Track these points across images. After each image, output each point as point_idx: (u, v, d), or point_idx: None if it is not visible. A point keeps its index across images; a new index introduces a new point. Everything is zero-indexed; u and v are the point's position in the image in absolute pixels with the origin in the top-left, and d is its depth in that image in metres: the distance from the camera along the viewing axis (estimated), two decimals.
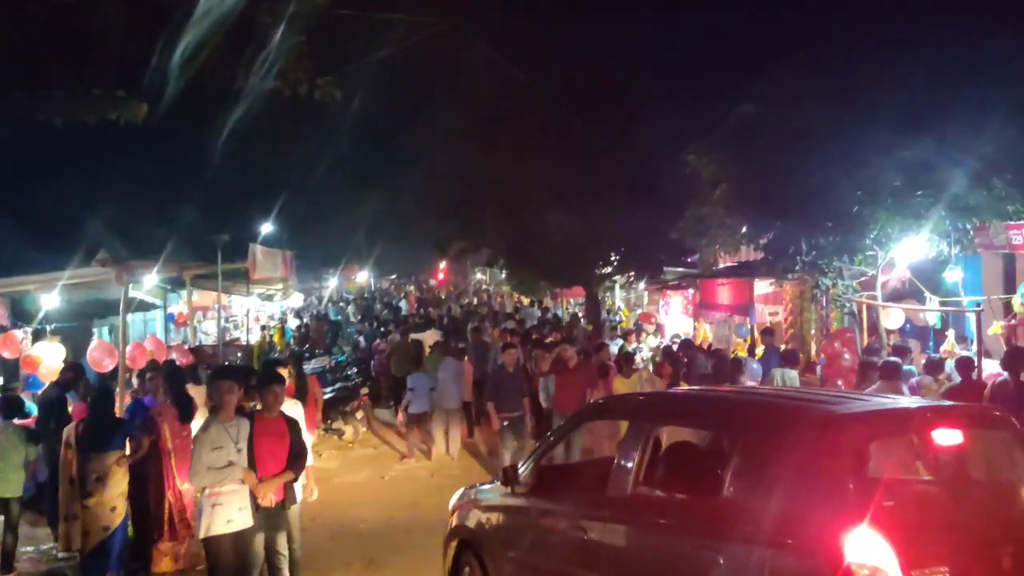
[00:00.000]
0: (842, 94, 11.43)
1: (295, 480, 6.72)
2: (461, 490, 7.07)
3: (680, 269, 19.68)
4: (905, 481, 4.53)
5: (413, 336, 17.16)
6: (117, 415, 8.40)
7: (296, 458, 6.63)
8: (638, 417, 5.46)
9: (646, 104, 17.99)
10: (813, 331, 14.67)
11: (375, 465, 12.95)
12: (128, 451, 7.80)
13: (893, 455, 4.54)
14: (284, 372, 8.28)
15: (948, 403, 5.83)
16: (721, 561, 4.25)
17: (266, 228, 27.33)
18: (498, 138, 18.73)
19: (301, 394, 11.43)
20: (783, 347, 13.55)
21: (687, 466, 4.99)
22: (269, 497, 6.38)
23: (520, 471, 6.07)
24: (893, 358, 9.32)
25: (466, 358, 14.62)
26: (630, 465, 5.02)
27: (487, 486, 6.61)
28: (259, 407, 6.72)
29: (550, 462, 6.34)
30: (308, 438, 11.59)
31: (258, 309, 29.06)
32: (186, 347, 14.71)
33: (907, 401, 5.21)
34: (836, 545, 3.82)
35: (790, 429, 4.43)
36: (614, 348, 14.94)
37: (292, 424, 6.77)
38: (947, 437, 4.31)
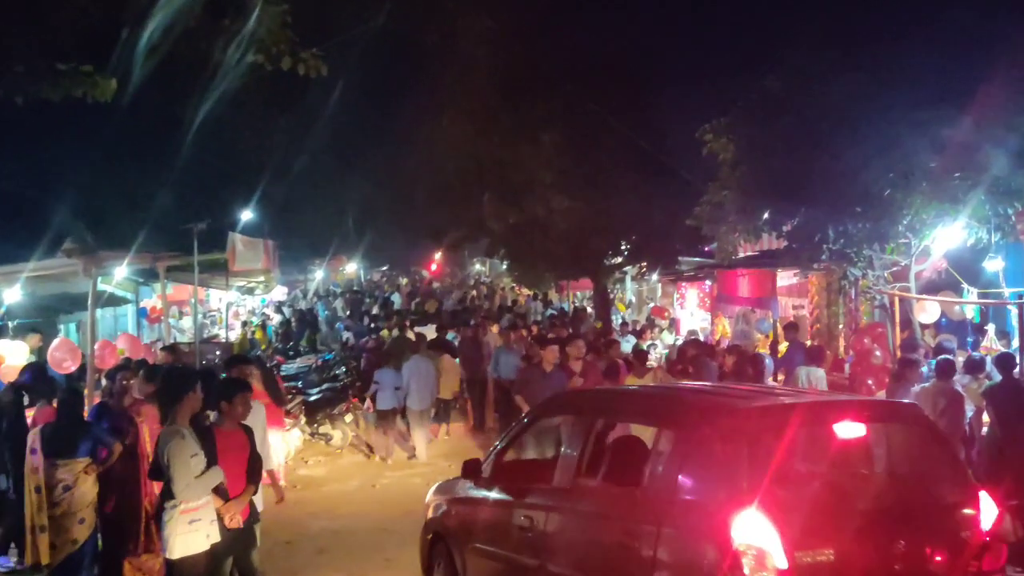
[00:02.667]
0: (873, 68, 11.37)
1: (256, 492, 6.74)
2: (437, 484, 7.79)
3: (696, 259, 19.64)
4: (803, 471, 5.17)
5: (418, 330, 17.27)
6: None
7: (255, 471, 6.65)
8: (580, 412, 6.28)
9: (659, 79, 17.94)
10: (841, 326, 14.65)
11: (366, 472, 12.94)
12: (96, 457, 7.77)
13: (803, 447, 5.22)
14: (250, 372, 8.30)
15: (857, 398, 6.69)
16: (639, 547, 4.93)
17: (247, 215, 27.34)
18: (497, 116, 18.70)
19: (276, 394, 11.51)
20: (808, 343, 13.53)
21: (617, 458, 5.67)
22: (237, 519, 6.38)
23: (483, 465, 6.84)
24: (947, 355, 9.31)
25: (446, 356, 14.80)
26: (572, 458, 5.83)
27: (456, 479, 7.23)
28: (219, 419, 6.64)
29: (512, 456, 7.01)
30: (279, 437, 11.71)
31: (238, 303, 29.03)
32: (160, 345, 14.69)
33: (813, 396, 5.93)
34: (726, 528, 4.47)
35: (693, 422, 5.19)
36: (627, 346, 14.94)
37: (250, 433, 6.76)
38: (851, 431, 4.93)
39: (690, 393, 6.32)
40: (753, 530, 4.43)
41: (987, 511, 4.98)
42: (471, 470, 6.86)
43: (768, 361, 11.56)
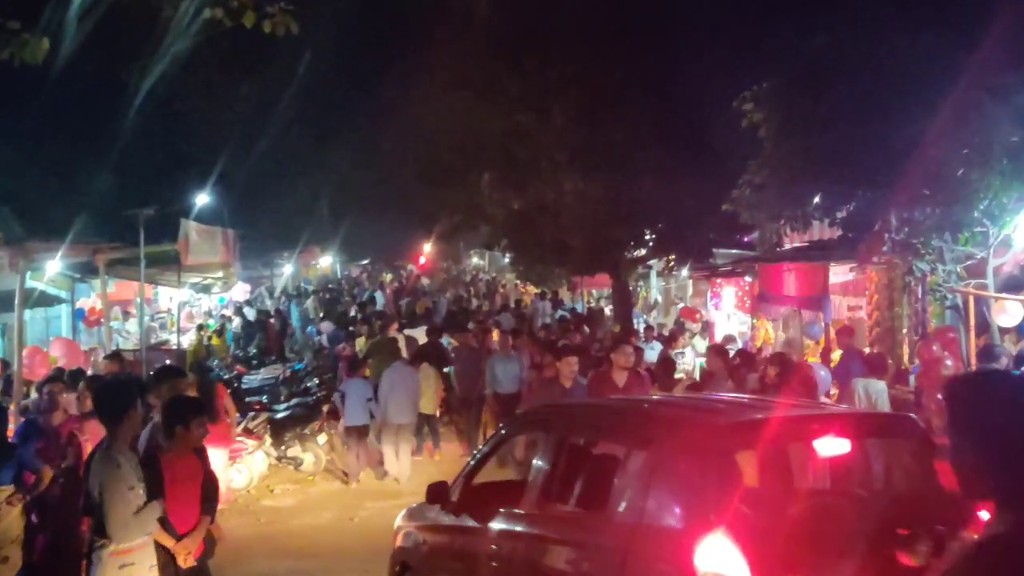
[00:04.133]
0: (943, 24, 11.33)
1: (212, 522, 6.79)
2: (406, 508, 8.17)
3: (734, 251, 19.63)
4: (783, 491, 5.50)
5: (408, 333, 17.33)
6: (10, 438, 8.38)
7: (210, 499, 6.69)
8: (549, 429, 6.68)
9: (690, 39, 17.88)
10: (905, 330, 14.61)
11: (342, 503, 12.94)
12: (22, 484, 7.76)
13: (784, 465, 5.69)
14: (188, 385, 8.34)
15: (843, 410, 7.22)
16: (604, 573, 5.30)
17: (202, 200, 27.26)
18: (499, 82, 18.67)
19: (208, 407, 11.52)
20: (867, 350, 13.48)
21: (584, 479, 6.11)
22: (191, 558, 6.40)
23: (451, 488, 7.23)
24: None
25: (424, 364, 15.00)
26: (540, 480, 6.25)
27: (424, 504, 7.58)
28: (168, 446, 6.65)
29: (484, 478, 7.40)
30: (222, 456, 11.81)
31: (192, 303, 29.04)
32: (100, 352, 14.72)
33: (799, 409, 6.26)
34: (689, 555, 4.73)
35: (659, 439, 5.53)
36: (652, 354, 14.91)
37: (202, 456, 6.79)
38: (834, 447, 5.21)
39: (662, 407, 6.83)
40: (719, 557, 4.68)
41: None
42: (437, 494, 7.21)
43: (824, 373, 11.50)
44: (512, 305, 29.16)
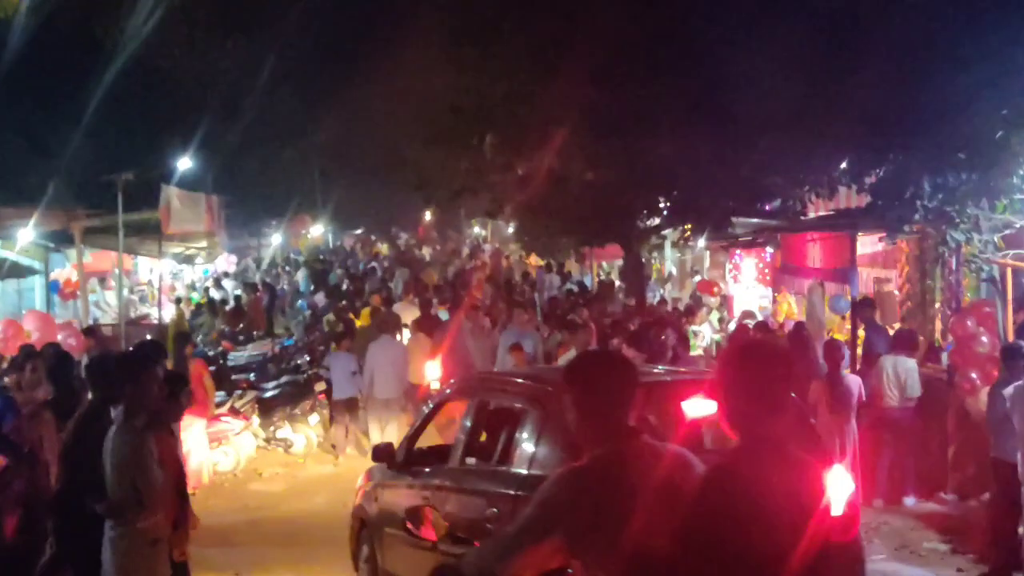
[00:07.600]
0: None
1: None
2: (366, 470, 9.26)
3: (755, 220, 19.55)
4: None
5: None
6: None
7: (184, 486, 6.81)
8: (473, 395, 7.98)
9: None
10: (938, 304, 14.58)
11: (335, 487, 12.93)
12: None
13: (664, 423, 6.84)
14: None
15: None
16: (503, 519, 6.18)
17: (184, 164, 27.23)
18: (500, 36, 18.56)
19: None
20: (896, 326, 13.45)
21: (492, 437, 7.49)
22: (185, 552, 6.46)
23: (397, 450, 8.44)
24: None
25: (420, 334, 15.43)
26: (461, 440, 7.54)
27: (380, 465, 8.71)
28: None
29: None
30: (200, 429, 11.97)
31: (174, 275, 29.06)
32: (76, 326, 14.71)
33: (672, 375, 7.83)
34: None
35: (544, 399, 6.60)
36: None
37: (175, 437, 6.86)
38: (701, 408, 6.01)
39: (552, 372, 8.05)
40: None
41: (841, 486, 5.94)
42: (383, 454, 8.43)
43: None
44: (518, 278, 29.10)
